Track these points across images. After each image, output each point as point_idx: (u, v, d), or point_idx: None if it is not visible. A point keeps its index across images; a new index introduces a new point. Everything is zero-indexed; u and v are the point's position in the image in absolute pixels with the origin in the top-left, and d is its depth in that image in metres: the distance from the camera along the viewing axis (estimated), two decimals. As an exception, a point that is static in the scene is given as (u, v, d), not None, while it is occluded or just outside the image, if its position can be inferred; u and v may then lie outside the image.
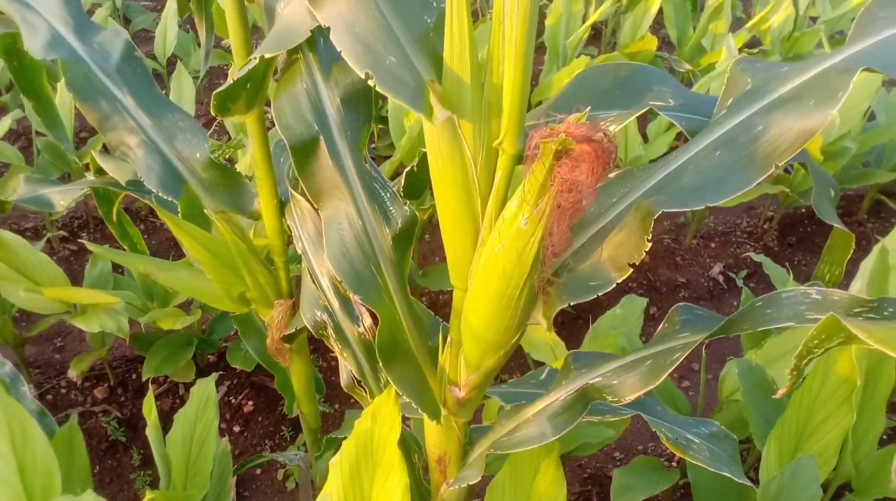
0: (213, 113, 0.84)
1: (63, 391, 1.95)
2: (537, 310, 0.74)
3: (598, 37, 3.78)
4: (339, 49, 0.64)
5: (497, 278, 0.70)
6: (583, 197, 0.59)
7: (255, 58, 0.78)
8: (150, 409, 1.17)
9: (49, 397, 1.93)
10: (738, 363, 1.43)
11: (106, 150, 2.32)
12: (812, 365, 1.36)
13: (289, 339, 1.07)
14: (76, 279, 1.85)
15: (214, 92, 0.82)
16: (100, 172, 1.33)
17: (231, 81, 0.80)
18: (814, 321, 0.70)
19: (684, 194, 0.69)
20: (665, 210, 0.67)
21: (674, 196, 0.70)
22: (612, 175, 0.75)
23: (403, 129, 1.97)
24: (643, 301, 1.61)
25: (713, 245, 2.64)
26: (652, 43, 2.95)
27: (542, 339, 1.40)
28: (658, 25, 3.40)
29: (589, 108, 0.59)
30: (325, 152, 0.81)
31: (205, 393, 1.32)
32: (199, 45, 3.26)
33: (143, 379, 1.87)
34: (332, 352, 2.09)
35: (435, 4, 0.71)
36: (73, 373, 1.73)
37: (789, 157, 0.66)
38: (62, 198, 1.37)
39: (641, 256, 0.68)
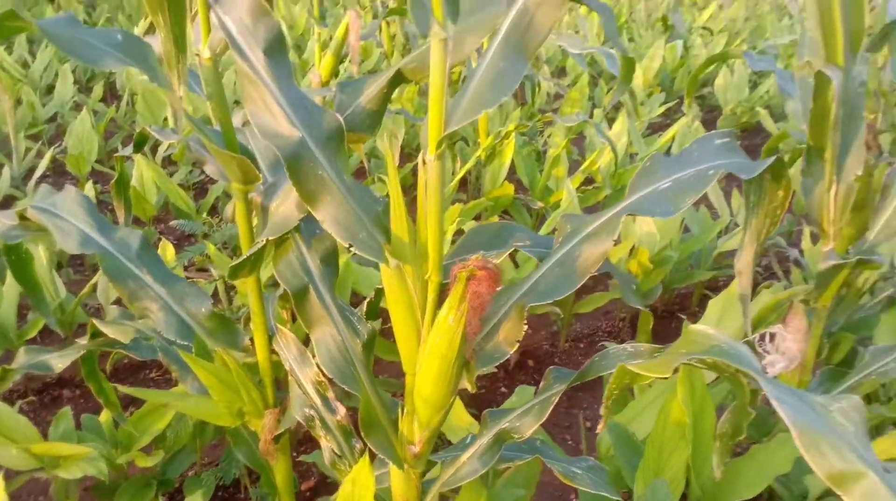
0: (227, 279, 1.23)
1: (28, 549, 2.10)
2: (463, 378, 1.17)
3: (466, 184, 4.43)
4: (330, 232, 1.08)
5: (438, 360, 1.12)
6: (485, 302, 1.04)
7: (262, 241, 1.20)
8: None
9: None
10: (608, 425, 1.89)
11: (43, 332, 2.57)
12: (654, 414, 1.84)
13: (276, 440, 1.42)
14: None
15: (230, 265, 1.23)
16: (93, 336, 1.66)
17: (244, 257, 1.21)
18: (633, 365, 1.16)
19: (541, 295, 1.16)
20: (531, 305, 1.14)
21: (535, 298, 1.16)
22: (499, 288, 1.21)
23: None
24: (531, 389, 2.06)
25: (582, 345, 3.17)
26: (509, 188, 3.58)
27: (460, 424, 1.80)
28: (512, 172, 4.07)
29: (482, 252, 1.05)
30: (314, 295, 1.22)
31: (196, 505, 1.61)
32: (116, 223, 3.58)
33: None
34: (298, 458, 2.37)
35: (381, 199, 1.17)
36: (50, 524, 1.91)
37: (595, 269, 1.14)
38: (60, 361, 1.68)
39: (522, 335, 1.13)
